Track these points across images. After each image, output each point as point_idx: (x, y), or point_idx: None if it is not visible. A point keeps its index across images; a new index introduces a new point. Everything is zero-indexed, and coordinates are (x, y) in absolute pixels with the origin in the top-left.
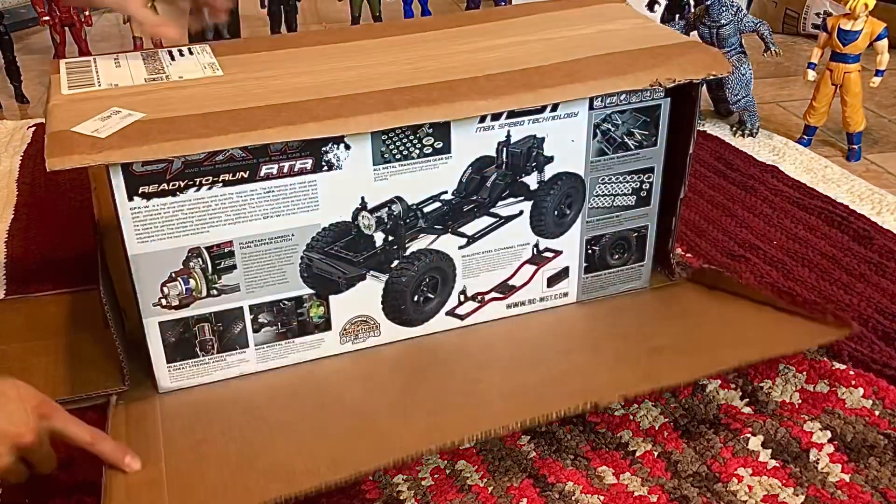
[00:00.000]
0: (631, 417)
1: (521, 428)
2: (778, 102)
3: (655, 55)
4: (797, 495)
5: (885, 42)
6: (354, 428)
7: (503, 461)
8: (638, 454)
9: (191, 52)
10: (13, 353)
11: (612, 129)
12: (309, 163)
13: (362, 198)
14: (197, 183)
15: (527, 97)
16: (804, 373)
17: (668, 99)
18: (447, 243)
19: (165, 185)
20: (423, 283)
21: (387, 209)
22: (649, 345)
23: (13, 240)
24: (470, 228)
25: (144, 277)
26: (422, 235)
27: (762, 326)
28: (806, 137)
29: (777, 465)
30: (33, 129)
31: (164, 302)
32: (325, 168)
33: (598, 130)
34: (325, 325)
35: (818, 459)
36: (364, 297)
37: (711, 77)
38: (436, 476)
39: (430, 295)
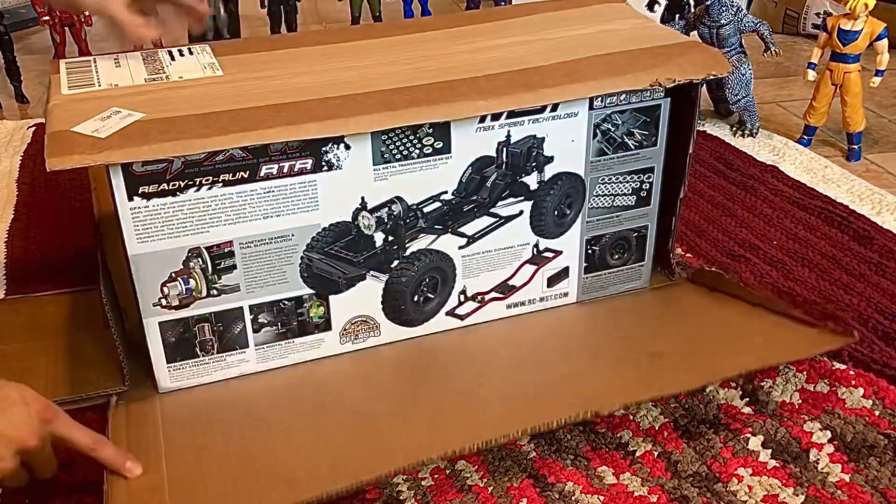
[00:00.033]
0: (631, 417)
1: (522, 437)
2: (778, 102)
3: (655, 55)
4: (797, 495)
5: (885, 42)
6: (355, 434)
7: (503, 461)
8: (638, 454)
9: (191, 52)
10: (13, 353)
11: (612, 129)
12: (309, 163)
13: (362, 198)
14: (197, 183)
15: (527, 97)
16: (804, 373)
17: (668, 99)
18: (447, 243)
19: (165, 185)
20: (423, 283)
21: (387, 209)
22: (649, 349)
23: (13, 240)
24: (470, 228)
25: (144, 277)
26: (422, 235)
27: (762, 332)
28: (806, 137)
29: (777, 465)
30: (33, 129)
31: (164, 302)
32: (325, 168)
33: (598, 130)
34: (325, 325)
35: (818, 459)
36: (364, 297)
37: (711, 77)
38: (436, 476)
39: (430, 295)
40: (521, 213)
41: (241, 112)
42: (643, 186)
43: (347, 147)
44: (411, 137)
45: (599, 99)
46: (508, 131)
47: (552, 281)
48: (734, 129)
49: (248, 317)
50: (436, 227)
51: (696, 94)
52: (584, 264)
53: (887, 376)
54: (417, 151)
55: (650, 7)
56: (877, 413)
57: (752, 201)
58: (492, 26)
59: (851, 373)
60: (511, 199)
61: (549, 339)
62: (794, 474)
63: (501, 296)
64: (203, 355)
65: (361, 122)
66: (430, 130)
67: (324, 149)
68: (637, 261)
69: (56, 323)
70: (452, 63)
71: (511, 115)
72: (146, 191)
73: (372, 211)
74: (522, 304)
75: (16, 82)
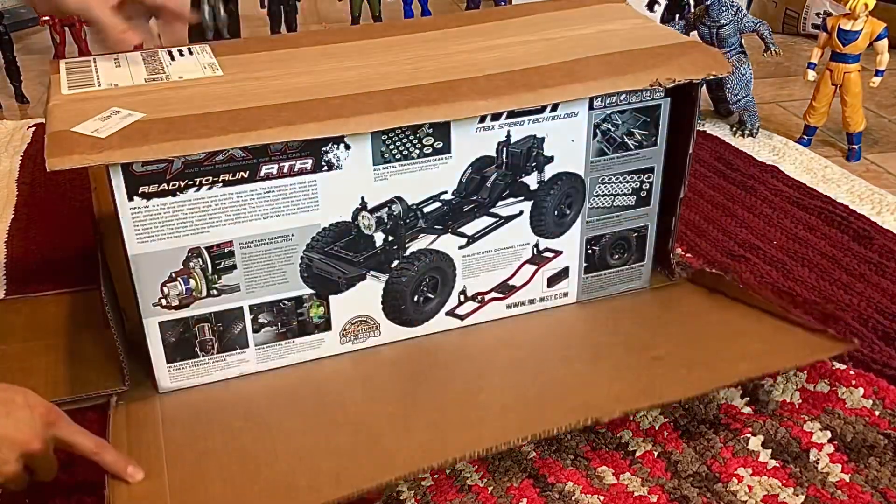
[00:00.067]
0: (631, 418)
1: (522, 444)
2: (778, 102)
3: (655, 55)
4: (797, 495)
5: (885, 42)
6: (356, 439)
7: (503, 461)
8: (638, 454)
9: (191, 52)
10: (13, 353)
11: (612, 129)
12: (309, 163)
13: (362, 198)
14: (197, 183)
15: (527, 97)
16: (804, 372)
17: (668, 99)
18: (447, 243)
19: (165, 185)
20: (423, 283)
21: (387, 209)
22: (650, 354)
23: (13, 240)
24: (470, 228)
25: (144, 277)
26: (422, 235)
27: (762, 338)
28: (806, 137)
29: (777, 465)
30: (33, 129)
31: (164, 302)
32: (325, 168)
33: (598, 130)
34: (325, 325)
35: (818, 459)
36: (364, 297)
37: (711, 77)
38: (436, 476)
39: (430, 295)
40: (521, 213)
41: (241, 112)
42: (643, 186)
43: (347, 147)
44: (411, 137)
45: (599, 99)
46: (508, 131)
47: (552, 281)
48: (734, 129)
49: (248, 317)
50: (436, 227)
51: (696, 94)
52: (584, 264)
53: (887, 376)
54: (417, 151)
55: (650, 7)
56: (877, 413)
57: (752, 201)
58: (492, 26)
59: (852, 373)
60: (511, 199)
61: (548, 341)
62: (794, 474)
63: (501, 296)
64: (203, 355)
65: (361, 122)
66: (430, 130)
67: (324, 149)
68: (637, 261)
69: (56, 323)
70: (452, 63)
71: (511, 115)
72: (146, 191)
73: (372, 211)
74: (522, 304)
75: (16, 82)
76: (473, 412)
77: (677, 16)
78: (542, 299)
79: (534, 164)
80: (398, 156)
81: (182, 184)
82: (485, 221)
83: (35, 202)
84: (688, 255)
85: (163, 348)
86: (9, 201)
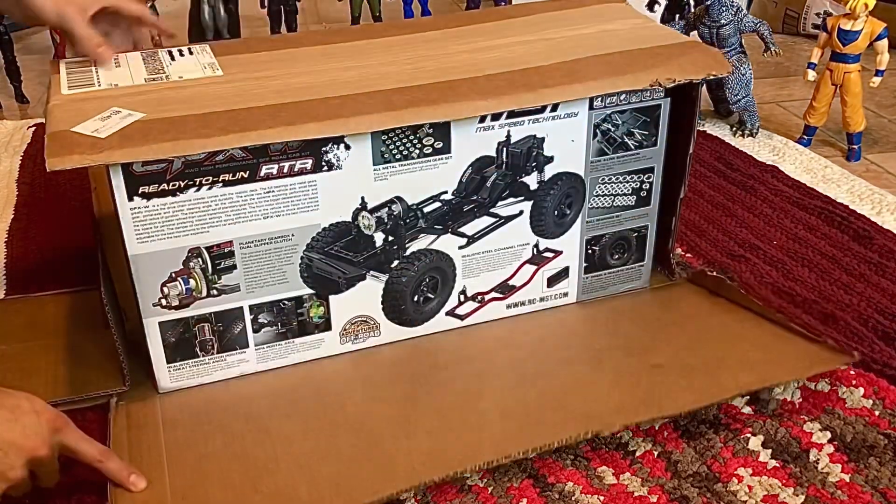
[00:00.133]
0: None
1: (522, 457)
2: (778, 102)
3: (655, 55)
4: (797, 495)
5: (885, 42)
6: (356, 445)
7: None
8: (638, 454)
9: (191, 52)
10: (13, 353)
11: (612, 129)
12: (309, 163)
13: (362, 198)
14: (197, 183)
15: (527, 97)
16: None
17: (668, 99)
18: (447, 243)
19: (165, 185)
20: (423, 283)
21: (387, 209)
22: (650, 361)
23: (13, 240)
24: (470, 228)
25: (144, 277)
26: (422, 235)
27: (762, 346)
28: (806, 137)
29: (777, 465)
30: (33, 129)
31: (164, 302)
32: (325, 168)
33: (598, 130)
34: (325, 325)
35: (818, 459)
36: (364, 297)
37: (711, 77)
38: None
39: (430, 295)
40: (521, 213)
41: (241, 112)
42: (643, 186)
43: (347, 147)
44: (411, 137)
45: (599, 99)
46: (508, 131)
47: (552, 281)
48: (734, 129)
49: (248, 317)
50: (436, 227)
51: (696, 94)
52: (584, 264)
53: (887, 376)
54: (417, 151)
55: (650, 7)
56: (877, 413)
57: (752, 201)
58: (492, 26)
59: (852, 373)
60: (511, 199)
61: (548, 342)
62: (794, 474)
63: (501, 296)
64: (203, 355)
65: (361, 122)
66: (430, 130)
67: (324, 149)
68: (637, 261)
69: (56, 323)
70: (452, 63)
71: (511, 115)
72: (146, 191)
73: (372, 211)
74: (522, 304)
75: (16, 82)
76: (473, 418)
77: (677, 16)
78: (542, 299)
79: (534, 164)
80: (398, 156)
81: (182, 184)
82: (485, 221)
83: (35, 202)
84: (688, 255)
85: (163, 348)
86: (9, 201)
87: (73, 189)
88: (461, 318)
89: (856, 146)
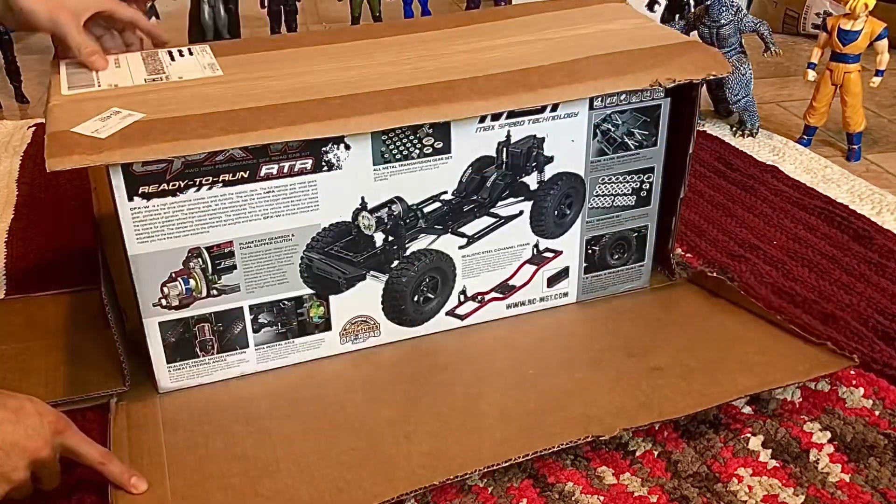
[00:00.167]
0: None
1: (522, 460)
2: (778, 102)
3: (655, 55)
4: (797, 495)
5: (885, 42)
6: (356, 447)
7: None
8: (638, 454)
9: (191, 53)
10: (13, 353)
11: (612, 129)
12: (309, 163)
13: (362, 198)
14: (197, 183)
15: (527, 97)
16: None
17: (668, 99)
18: (447, 243)
19: (165, 185)
20: (423, 283)
21: (387, 209)
22: (650, 363)
23: (13, 240)
24: (470, 228)
25: (144, 277)
26: (422, 235)
27: (762, 349)
28: (806, 137)
29: (777, 465)
30: (33, 129)
31: (164, 302)
32: (325, 168)
33: (598, 130)
34: (325, 325)
35: (818, 459)
36: (364, 297)
37: (711, 77)
38: None
39: (430, 295)
40: (521, 213)
41: (241, 112)
42: (643, 186)
43: (347, 147)
44: (411, 137)
45: (599, 99)
46: (508, 131)
47: (552, 281)
48: (734, 129)
49: (248, 317)
50: (436, 227)
51: (696, 94)
52: (584, 264)
53: (887, 376)
54: (417, 151)
55: (650, 7)
56: (877, 413)
57: (752, 201)
58: (492, 26)
59: (852, 373)
60: (511, 199)
61: (548, 343)
62: (794, 474)
63: (501, 296)
64: (203, 355)
65: (361, 122)
66: (430, 130)
67: (324, 149)
68: (637, 261)
69: (56, 323)
70: (452, 63)
71: (511, 115)
72: (146, 191)
73: (372, 211)
74: (522, 304)
75: (16, 82)
76: (473, 420)
77: (677, 16)
78: (542, 299)
79: (534, 164)
80: (398, 156)
81: (182, 184)
82: (485, 221)
83: (35, 202)
84: (688, 255)
85: (163, 348)
86: (9, 201)
87: (73, 189)
88: (461, 318)
89: (856, 146)
